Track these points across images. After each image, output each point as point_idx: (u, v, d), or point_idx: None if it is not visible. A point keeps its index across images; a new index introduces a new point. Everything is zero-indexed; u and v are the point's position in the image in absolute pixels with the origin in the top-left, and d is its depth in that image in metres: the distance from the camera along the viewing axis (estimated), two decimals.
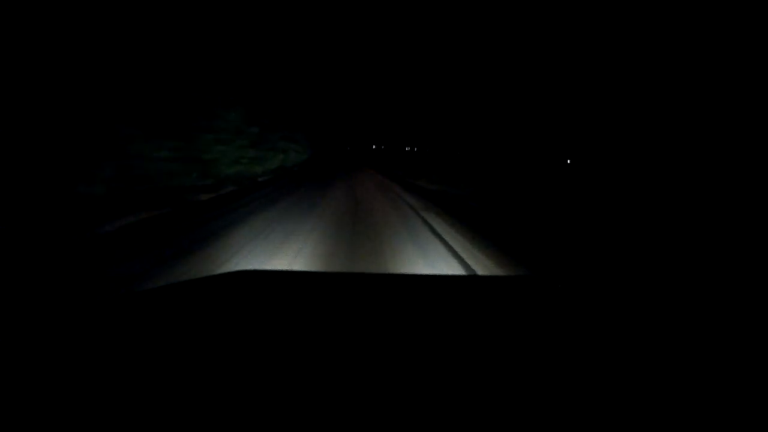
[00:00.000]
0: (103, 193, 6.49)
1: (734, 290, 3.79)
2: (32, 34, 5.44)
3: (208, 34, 10.76)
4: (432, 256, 4.15)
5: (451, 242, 4.80)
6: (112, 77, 6.89)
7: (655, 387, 0.55)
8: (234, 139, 12.10)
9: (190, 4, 9.84)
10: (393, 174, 17.16)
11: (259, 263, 3.74)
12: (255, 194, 8.95)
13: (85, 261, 3.75)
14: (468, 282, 1.16)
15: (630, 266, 4.62)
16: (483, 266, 3.88)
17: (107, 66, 6.80)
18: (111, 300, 0.88)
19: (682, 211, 9.73)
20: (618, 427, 0.47)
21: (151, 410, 0.46)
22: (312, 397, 0.50)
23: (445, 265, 3.86)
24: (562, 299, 1.01)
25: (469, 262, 3.99)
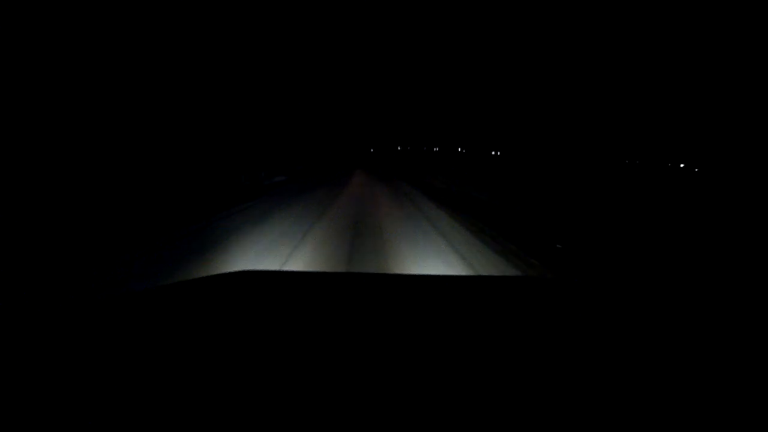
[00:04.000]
0: None
1: (742, 291, 3.76)
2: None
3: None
4: None
5: None
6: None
7: (660, 388, 0.55)
8: None
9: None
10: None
11: None
12: None
13: None
14: (469, 282, 1.16)
15: (637, 267, 4.60)
16: None
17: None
18: (111, 300, 0.88)
19: (687, 211, 9.66)
20: (622, 428, 0.47)
21: (150, 410, 0.46)
22: (311, 398, 0.50)
23: None
24: (566, 300, 1.00)
25: None
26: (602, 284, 1.24)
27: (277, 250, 4.65)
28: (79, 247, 4.39)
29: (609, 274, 4.25)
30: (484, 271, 4.05)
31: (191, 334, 0.69)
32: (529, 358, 0.64)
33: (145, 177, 8.11)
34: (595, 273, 4.27)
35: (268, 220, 6.58)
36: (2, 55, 5.01)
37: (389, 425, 0.45)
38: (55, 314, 0.78)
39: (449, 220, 7.18)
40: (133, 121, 7.83)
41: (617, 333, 0.78)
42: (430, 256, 4.55)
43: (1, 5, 5.03)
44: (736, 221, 9.17)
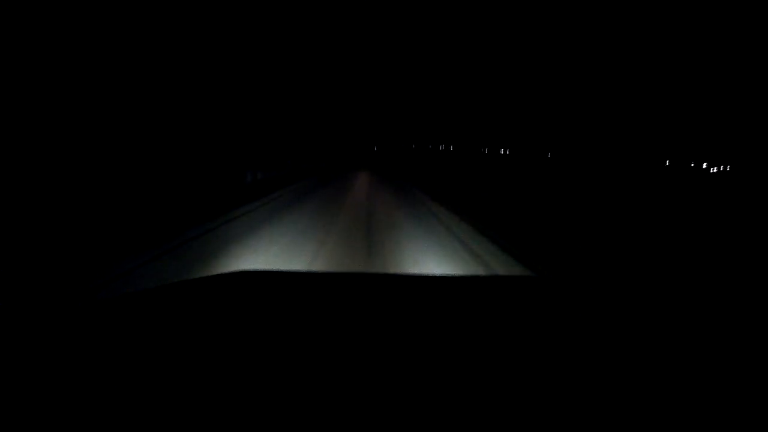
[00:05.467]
0: None
1: (737, 292, 3.76)
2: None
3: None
4: None
5: None
6: None
7: (659, 389, 0.55)
8: None
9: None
10: None
11: None
12: None
13: None
14: (471, 282, 1.15)
15: (636, 267, 4.59)
16: None
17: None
18: (111, 300, 0.88)
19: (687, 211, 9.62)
20: (622, 428, 0.46)
21: (150, 411, 0.46)
22: (312, 399, 0.49)
23: None
24: (567, 300, 1.00)
25: None
26: (602, 284, 1.23)
27: None
28: (79, 247, 4.39)
29: (610, 275, 4.25)
30: None
31: (191, 334, 0.68)
32: (529, 358, 0.63)
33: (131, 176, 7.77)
34: (596, 273, 4.27)
35: None
36: (2, 55, 5.03)
37: (389, 425, 0.45)
38: (55, 314, 0.77)
39: None
40: (127, 119, 7.80)
41: (617, 333, 0.77)
42: None
43: (1, 5, 5.05)
44: (744, 223, 9.14)
